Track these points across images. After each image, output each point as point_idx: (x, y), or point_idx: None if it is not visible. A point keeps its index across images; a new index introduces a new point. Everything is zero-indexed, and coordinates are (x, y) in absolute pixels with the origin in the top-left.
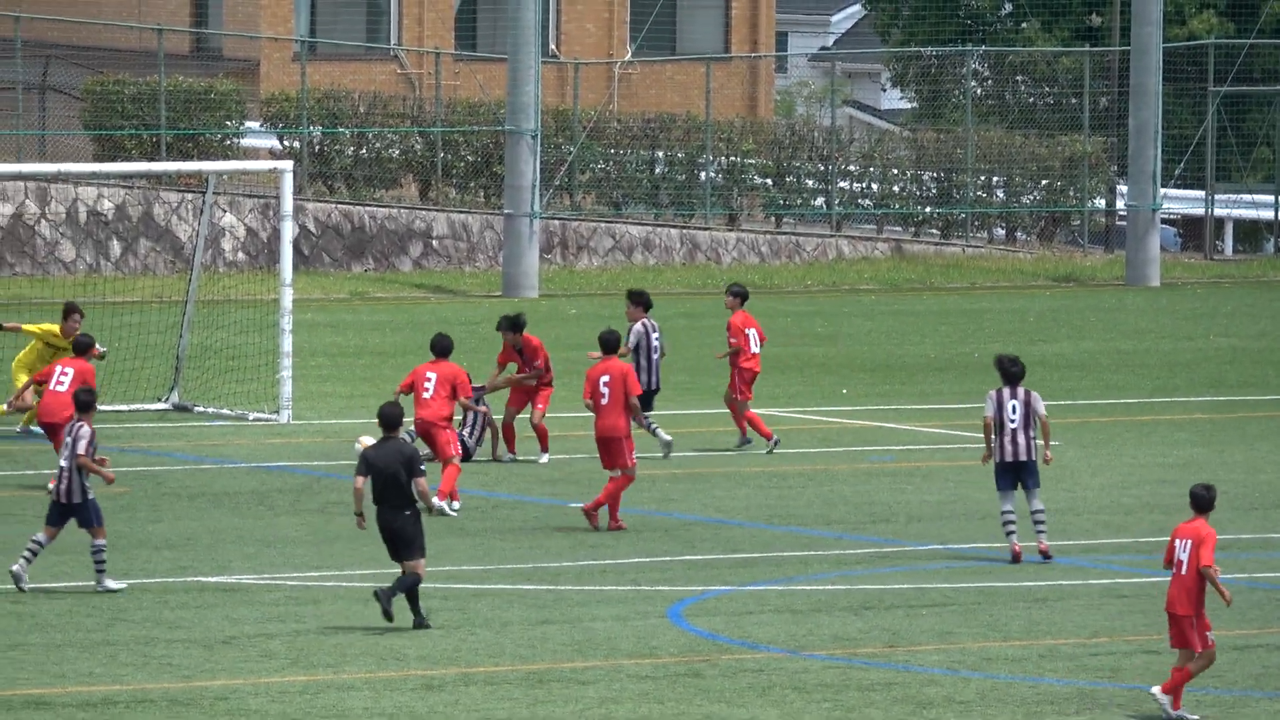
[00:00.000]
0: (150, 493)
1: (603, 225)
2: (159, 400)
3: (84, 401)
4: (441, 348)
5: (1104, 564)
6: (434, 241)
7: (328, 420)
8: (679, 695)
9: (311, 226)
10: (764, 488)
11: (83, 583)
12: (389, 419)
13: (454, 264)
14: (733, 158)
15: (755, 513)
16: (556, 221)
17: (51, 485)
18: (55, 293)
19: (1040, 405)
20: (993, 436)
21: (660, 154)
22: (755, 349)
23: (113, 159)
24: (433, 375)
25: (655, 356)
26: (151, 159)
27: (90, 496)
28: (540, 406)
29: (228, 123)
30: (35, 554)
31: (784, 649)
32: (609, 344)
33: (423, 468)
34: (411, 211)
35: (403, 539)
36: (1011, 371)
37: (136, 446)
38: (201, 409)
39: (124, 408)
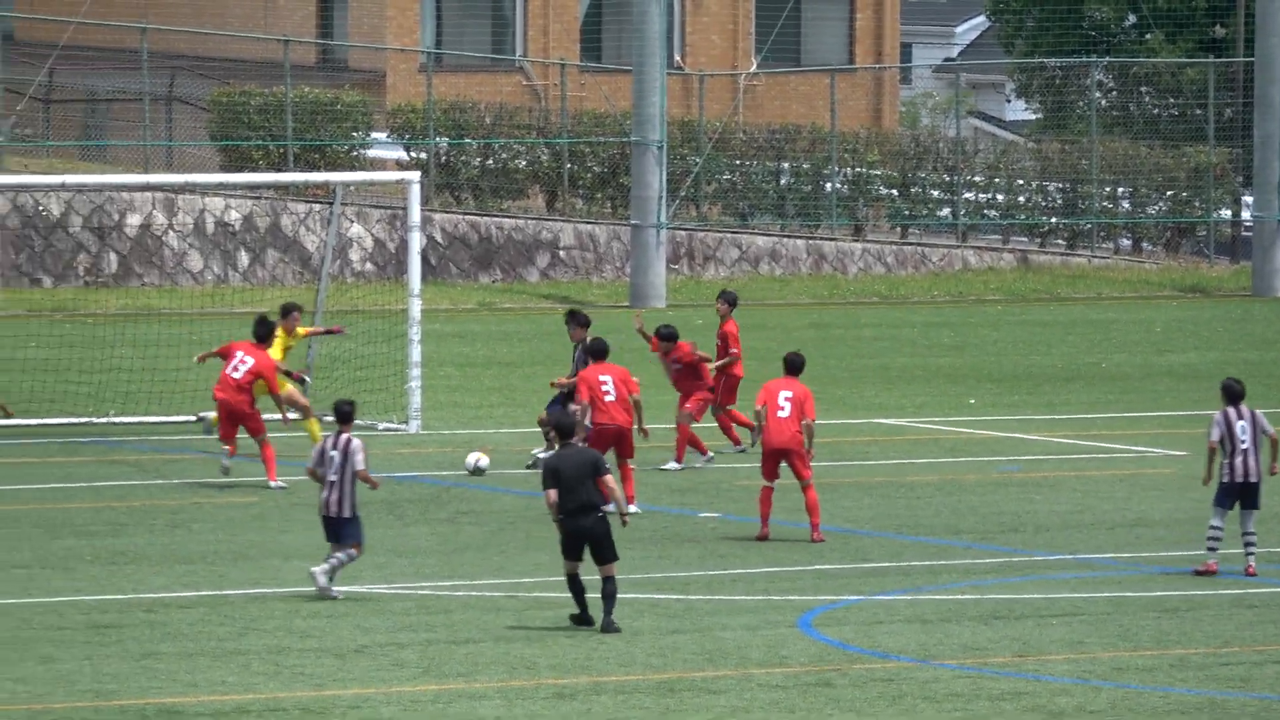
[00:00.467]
0: (280, 503)
1: (729, 236)
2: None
3: (345, 412)
4: (602, 350)
5: (1233, 574)
6: (561, 252)
7: (457, 430)
8: (809, 704)
9: (439, 237)
10: (892, 498)
11: (214, 591)
12: (568, 428)
13: (581, 274)
14: (858, 168)
15: (884, 522)
16: (683, 232)
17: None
18: (183, 303)
19: (1268, 423)
20: (1219, 458)
21: (785, 165)
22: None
23: (239, 170)
24: (608, 378)
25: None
26: (278, 170)
27: (359, 512)
28: (690, 406)
29: (354, 134)
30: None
31: (914, 658)
32: (794, 365)
33: (607, 467)
34: (538, 222)
35: (600, 542)
36: (1236, 390)
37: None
38: (331, 419)
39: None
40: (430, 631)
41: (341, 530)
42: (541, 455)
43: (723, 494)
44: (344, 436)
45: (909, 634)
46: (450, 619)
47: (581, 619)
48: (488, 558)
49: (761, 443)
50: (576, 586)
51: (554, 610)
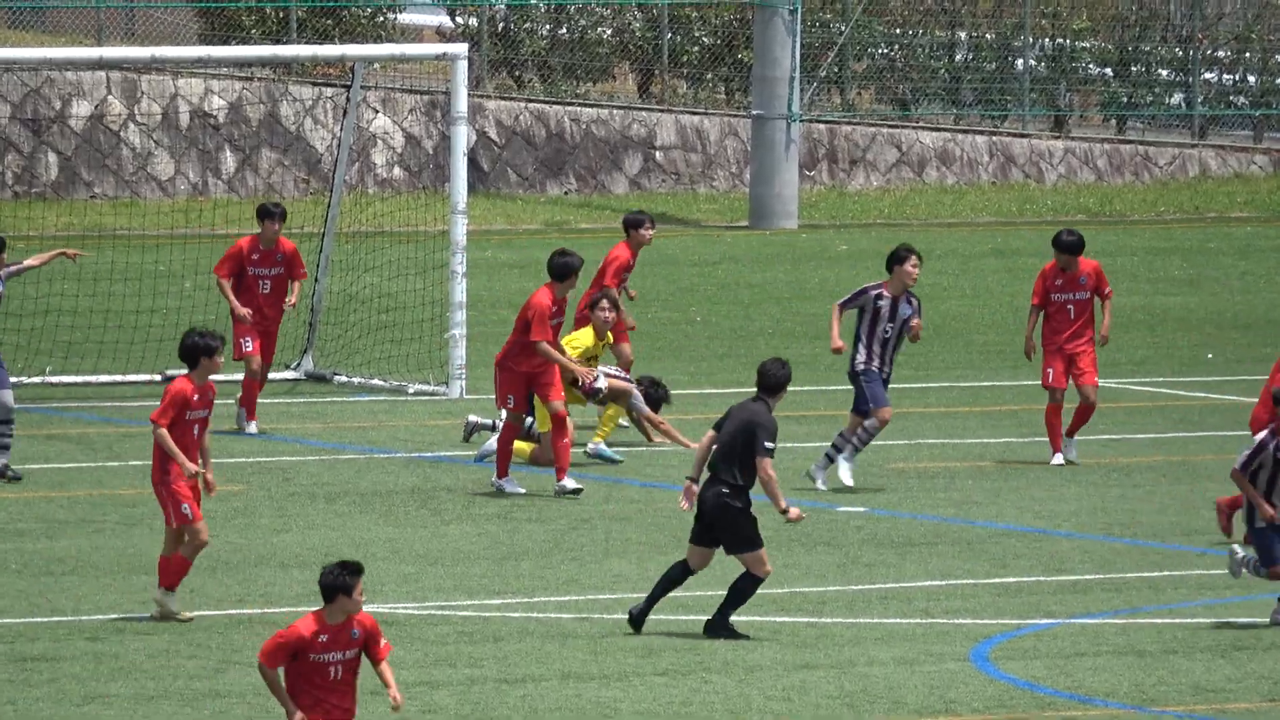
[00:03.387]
0: (275, 493)
1: (884, 131)
2: (287, 367)
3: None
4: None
5: None
6: (657, 153)
7: None
8: None
9: (493, 133)
10: (1101, 486)
11: (195, 613)
12: (773, 381)
13: (684, 184)
14: (1060, 40)
15: (1090, 520)
16: (822, 126)
17: None
18: (147, 222)
19: None
20: None
21: (962, 35)
22: None
23: (224, 42)
24: None
25: None
26: (278, 42)
27: None
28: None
29: None
30: None
31: (1128, 703)
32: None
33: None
34: (627, 113)
35: (719, 527)
36: None
37: (256, 430)
38: (344, 379)
39: (238, 377)
40: (474, 667)
41: None
42: (475, 420)
43: (871, 481)
44: None
45: (1121, 670)
46: (501, 649)
47: (639, 618)
48: (553, 567)
49: None
50: (668, 575)
51: (642, 638)
